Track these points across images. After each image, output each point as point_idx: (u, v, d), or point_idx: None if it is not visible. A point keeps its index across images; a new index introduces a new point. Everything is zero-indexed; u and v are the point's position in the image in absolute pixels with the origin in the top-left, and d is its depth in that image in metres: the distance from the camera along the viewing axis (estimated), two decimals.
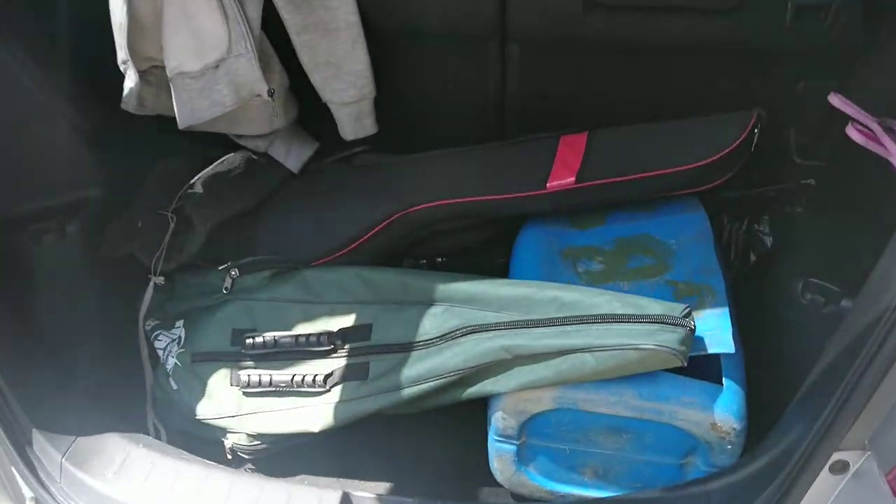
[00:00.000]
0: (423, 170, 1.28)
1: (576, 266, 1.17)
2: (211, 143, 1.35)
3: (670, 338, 0.90)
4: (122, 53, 1.16)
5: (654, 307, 0.95)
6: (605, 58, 1.21)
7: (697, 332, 0.96)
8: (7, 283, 1.13)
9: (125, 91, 1.17)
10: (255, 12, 1.16)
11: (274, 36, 1.22)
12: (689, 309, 0.95)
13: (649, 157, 1.16)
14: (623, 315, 0.94)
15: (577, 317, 0.96)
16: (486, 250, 1.39)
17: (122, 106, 1.18)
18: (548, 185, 1.17)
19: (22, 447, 0.99)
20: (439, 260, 1.41)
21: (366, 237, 1.23)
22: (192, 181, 1.32)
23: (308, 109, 1.34)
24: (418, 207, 1.22)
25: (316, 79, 1.24)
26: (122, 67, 1.17)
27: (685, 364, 0.91)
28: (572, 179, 1.16)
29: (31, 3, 1.18)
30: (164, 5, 1.14)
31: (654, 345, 0.89)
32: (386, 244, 1.26)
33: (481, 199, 1.20)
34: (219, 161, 1.37)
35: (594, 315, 0.95)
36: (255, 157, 1.37)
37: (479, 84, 1.28)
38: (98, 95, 1.22)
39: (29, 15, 1.17)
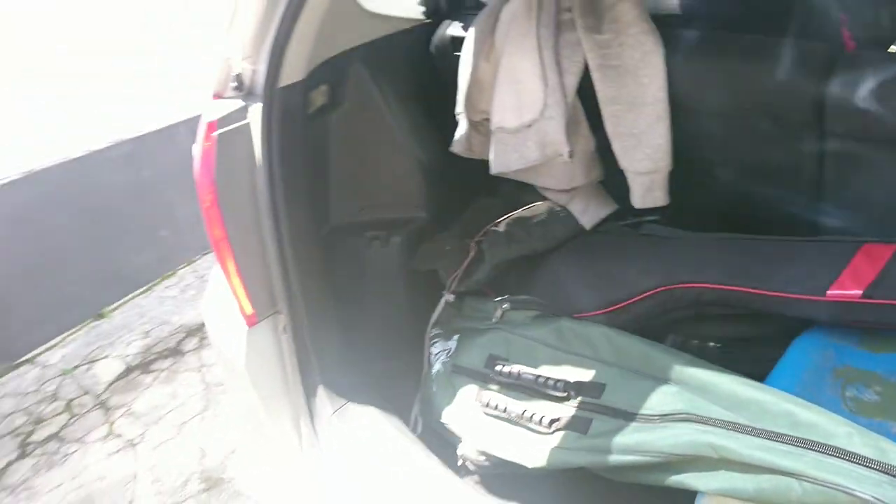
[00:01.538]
0: (702, 249, 1.25)
1: (844, 389, 1.04)
2: (526, 189, 1.53)
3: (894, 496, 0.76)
4: (459, 106, 1.40)
5: None
6: None
7: None
8: (342, 273, 1.45)
9: (456, 136, 1.41)
10: (573, 82, 1.30)
11: (589, 104, 1.34)
12: None
13: None
14: (848, 452, 0.82)
15: (795, 437, 0.87)
16: (764, 345, 1.30)
17: (451, 148, 1.42)
18: (828, 292, 1.06)
19: (309, 397, 1.27)
20: (711, 344, 1.36)
21: (627, 302, 1.26)
22: (499, 220, 1.51)
23: (616, 172, 1.42)
24: (685, 285, 1.21)
25: (616, 147, 1.31)
26: (457, 117, 1.41)
27: None
28: (858, 292, 1.03)
29: (408, 71, 1.49)
30: (499, 70, 1.34)
31: (870, 496, 0.77)
32: (647, 314, 1.27)
33: (751, 290, 1.14)
34: (527, 207, 1.54)
35: (813, 441, 0.85)
36: (557, 208, 1.50)
37: (787, 174, 1.21)
38: (440, 140, 1.48)
39: (404, 80, 1.48)
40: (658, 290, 1.24)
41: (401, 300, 1.52)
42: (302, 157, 1.30)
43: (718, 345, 1.36)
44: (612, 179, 1.41)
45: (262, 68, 1.18)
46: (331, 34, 1.27)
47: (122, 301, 3.01)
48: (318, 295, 1.33)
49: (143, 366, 2.66)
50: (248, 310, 1.25)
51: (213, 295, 1.41)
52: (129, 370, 2.64)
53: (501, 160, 1.38)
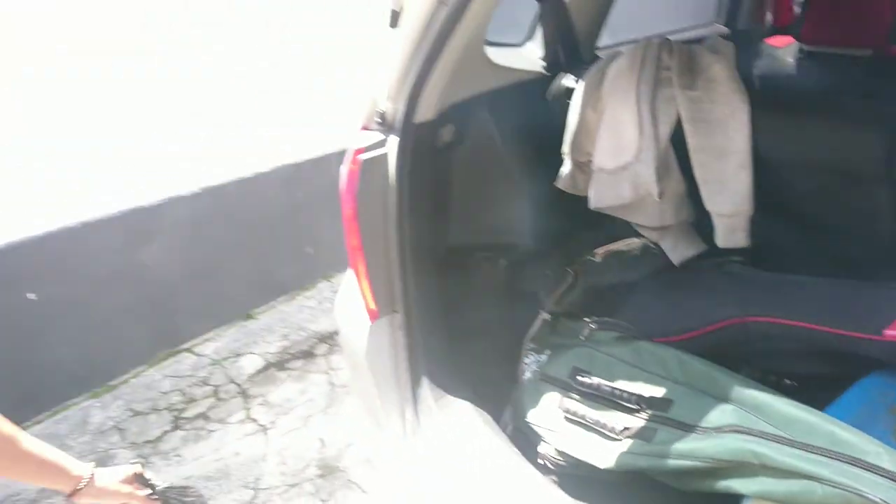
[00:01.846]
0: (774, 288, 1.37)
1: None
2: (623, 226, 1.69)
3: None
4: (565, 146, 1.60)
5: None
6: None
7: None
8: (453, 285, 1.67)
9: (560, 173, 1.61)
10: (666, 132, 1.46)
11: (680, 151, 1.49)
12: None
13: None
14: (869, 464, 0.93)
15: (826, 449, 0.98)
16: (839, 386, 1.38)
17: (555, 183, 1.62)
18: (885, 331, 1.15)
19: (414, 386, 1.49)
20: (788, 382, 1.45)
21: (700, 331, 1.39)
22: (596, 251, 1.69)
23: (705, 215, 1.56)
24: (754, 319, 1.33)
25: (703, 191, 1.46)
26: (563, 156, 1.61)
27: None
28: None
29: (524, 116, 1.71)
30: (603, 118, 1.53)
31: (879, 499, 0.87)
32: (718, 343, 1.39)
33: (813, 326, 1.24)
34: (624, 242, 1.70)
35: (841, 453, 0.96)
36: (650, 244, 1.65)
37: (859, 223, 1.31)
38: (548, 177, 1.68)
39: (520, 123, 1.70)
40: (729, 321, 1.36)
41: (502, 315, 1.72)
42: (428, 184, 1.55)
43: (795, 383, 1.44)
44: (701, 221, 1.55)
45: (402, 107, 1.44)
46: (460, 81, 1.52)
47: (267, 306, 3.42)
48: (430, 302, 1.56)
49: (279, 364, 3.01)
50: (372, 306, 1.50)
51: (345, 294, 1.67)
52: (267, 366, 3.00)
53: (599, 196, 1.56)
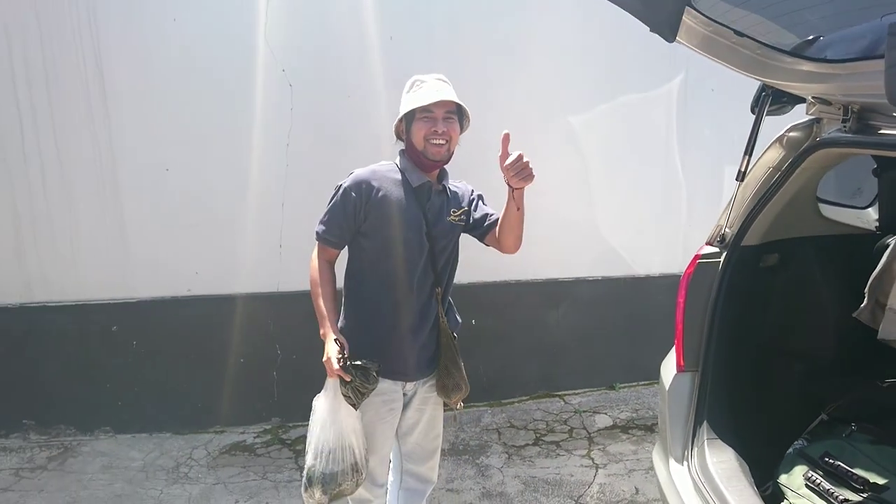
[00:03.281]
0: None
1: None
2: None
3: None
4: (868, 287, 2.03)
5: None
6: None
7: None
8: (748, 371, 2.19)
9: (861, 306, 2.04)
10: None
11: None
12: None
13: None
14: None
15: None
16: None
17: (854, 314, 2.05)
18: None
19: (696, 425, 2.07)
20: None
21: None
22: (888, 380, 2.04)
23: None
24: None
25: None
26: (865, 293, 2.04)
27: None
28: None
29: (843, 259, 2.17)
30: None
31: None
32: None
33: None
34: None
35: None
36: None
37: None
38: (851, 307, 2.11)
39: (837, 264, 2.17)
40: None
41: (779, 401, 2.17)
42: (743, 291, 2.14)
43: None
44: None
45: (735, 232, 2.09)
46: (786, 223, 2.10)
47: (629, 384, 4.14)
48: (724, 371, 2.13)
49: (624, 427, 3.69)
50: (680, 363, 2.14)
51: (670, 354, 2.34)
52: (614, 426, 3.70)
53: (887, 330, 1.95)
